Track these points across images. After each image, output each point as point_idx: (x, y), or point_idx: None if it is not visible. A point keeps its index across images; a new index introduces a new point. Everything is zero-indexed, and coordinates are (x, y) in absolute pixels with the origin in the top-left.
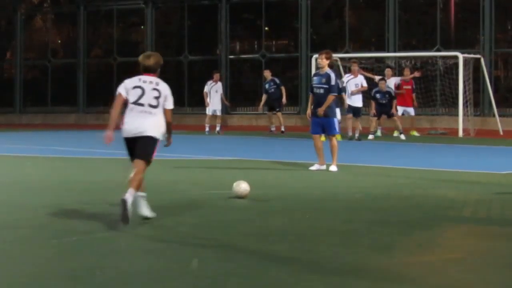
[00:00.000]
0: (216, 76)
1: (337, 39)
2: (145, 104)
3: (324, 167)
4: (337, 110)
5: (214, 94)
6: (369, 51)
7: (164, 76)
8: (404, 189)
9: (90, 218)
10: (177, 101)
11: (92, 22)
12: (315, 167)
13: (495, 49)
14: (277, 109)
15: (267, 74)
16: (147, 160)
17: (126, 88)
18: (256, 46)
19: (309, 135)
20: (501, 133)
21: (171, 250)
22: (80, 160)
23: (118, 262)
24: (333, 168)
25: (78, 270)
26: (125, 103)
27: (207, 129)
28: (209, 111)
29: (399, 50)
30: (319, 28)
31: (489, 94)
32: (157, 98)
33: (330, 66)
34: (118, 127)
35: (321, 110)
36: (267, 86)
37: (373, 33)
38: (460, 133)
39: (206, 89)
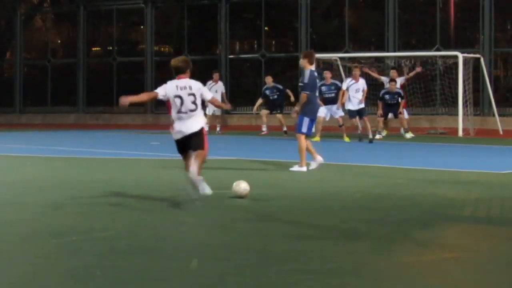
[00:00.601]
0: (216, 76)
1: (336, 38)
2: (186, 111)
3: (304, 168)
4: (332, 108)
5: (214, 94)
6: (369, 50)
7: (163, 76)
8: (404, 189)
9: (90, 218)
10: None
11: (92, 22)
12: (299, 168)
13: (495, 48)
14: (278, 111)
15: (269, 80)
16: (203, 148)
17: (166, 93)
18: (256, 45)
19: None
20: (501, 132)
21: (170, 249)
22: (79, 160)
23: (117, 262)
24: (295, 168)
25: (78, 269)
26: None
27: (206, 128)
28: (209, 111)
29: (399, 50)
30: (319, 28)
31: (488, 93)
32: (193, 102)
33: (326, 66)
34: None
35: (294, 110)
36: (267, 92)
37: (373, 32)
38: (460, 133)
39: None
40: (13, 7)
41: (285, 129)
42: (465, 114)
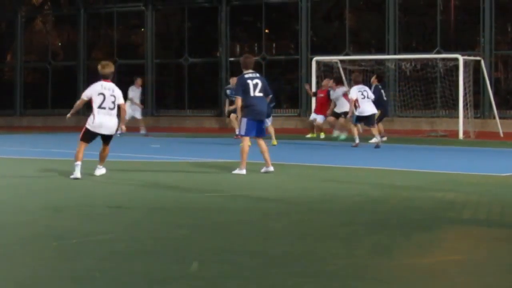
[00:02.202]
0: (139, 81)
1: (337, 41)
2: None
3: (264, 169)
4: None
5: (137, 100)
6: (369, 53)
7: (164, 79)
8: (404, 191)
9: (90, 220)
10: (178, 103)
11: (92, 25)
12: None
13: (495, 51)
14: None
15: (233, 81)
16: None
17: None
18: (256, 48)
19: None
20: (502, 135)
21: (170, 252)
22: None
23: (117, 264)
24: (236, 171)
25: (78, 272)
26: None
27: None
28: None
29: (399, 52)
30: (319, 30)
31: (489, 96)
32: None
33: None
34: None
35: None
36: (228, 92)
37: (373, 35)
38: (461, 135)
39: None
40: (14, 9)
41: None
42: (465, 116)
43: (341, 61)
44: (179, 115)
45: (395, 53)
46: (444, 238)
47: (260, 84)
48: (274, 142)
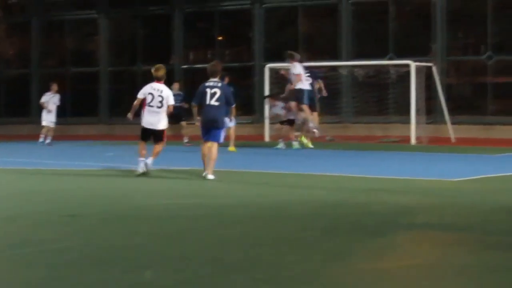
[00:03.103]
0: (54, 86)
1: (290, 48)
2: None
3: (204, 174)
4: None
5: (51, 106)
6: (323, 59)
7: (118, 86)
8: (358, 197)
9: (43, 230)
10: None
11: (45, 32)
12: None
13: (447, 56)
14: (183, 119)
15: (176, 86)
16: None
17: None
18: (209, 55)
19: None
20: (453, 140)
21: (125, 260)
22: (32, 172)
23: (71, 274)
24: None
25: (32, 282)
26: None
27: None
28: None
29: (352, 59)
30: (273, 37)
31: (441, 101)
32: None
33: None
34: None
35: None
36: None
37: (327, 41)
38: (413, 141)
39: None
40: None
41: (186, 140)
42: (418, 122)
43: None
44: (133, 122)
45: (348, 60)
46: (398, 243)
47: (218, 94)
48: (232, 148)
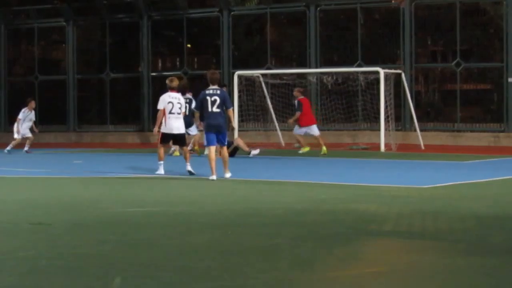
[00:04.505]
0: (31, 103)
1: (259, 55)
2: None
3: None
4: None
5: (27, 123)
6: (291, 67)
7: (86, 94)
8: (326, 204)
9: (11, 238)
10: (100, 119)
11: (13, 40)
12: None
13: (416, 64)
14: None
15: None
16: None
17: None
18: (178, 63)
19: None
20: (422, 147)
21: (93, 268)
22: (0, 179)
23: (39, 281)
24: (209, 177)
25: None
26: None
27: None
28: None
29: (321, 66)
30: (241, 45)
31: (410, 108)
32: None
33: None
34: None
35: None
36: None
37: (295, 49)
38: (382, 148)
39: None
40: None
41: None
42: (387, 129)
43: (263, 75)
44: (101, 130)
45: (316, 67)
46: (365, 251)
47: (218, 101)
48: (196, 149)
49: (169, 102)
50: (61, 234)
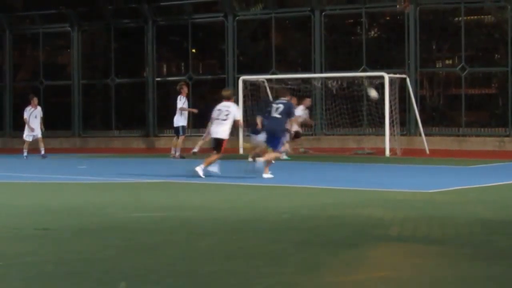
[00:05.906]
0: (34, 100)
1: (263, 60)
2: None
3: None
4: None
5: (33, 120)
6: (296, 71)
7: (91, 100)
8: (331, 209)
9: (18, 243)
10: (105, 124)
11: (18, 46)
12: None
13: (421, 68)
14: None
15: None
16: None
17: None
18: (183, 68)
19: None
20: (427, 152)
21: (98, 273)
22: (6, 185)
23: (45, 286)
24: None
25: None
26: None
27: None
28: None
29: (326, 71)
30: (246, 49)
31: (415, 113)
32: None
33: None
34: None
35: None
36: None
37: (300, 54)
38: (387, 153)
39: None
40: None
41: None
42: (391, 134)
43: (268, 80)
44: (106, 135)
45: (321, 72)
46: (370, 255)
47: (281, 108)
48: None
49: (218, 110)
50: (67, 239)
